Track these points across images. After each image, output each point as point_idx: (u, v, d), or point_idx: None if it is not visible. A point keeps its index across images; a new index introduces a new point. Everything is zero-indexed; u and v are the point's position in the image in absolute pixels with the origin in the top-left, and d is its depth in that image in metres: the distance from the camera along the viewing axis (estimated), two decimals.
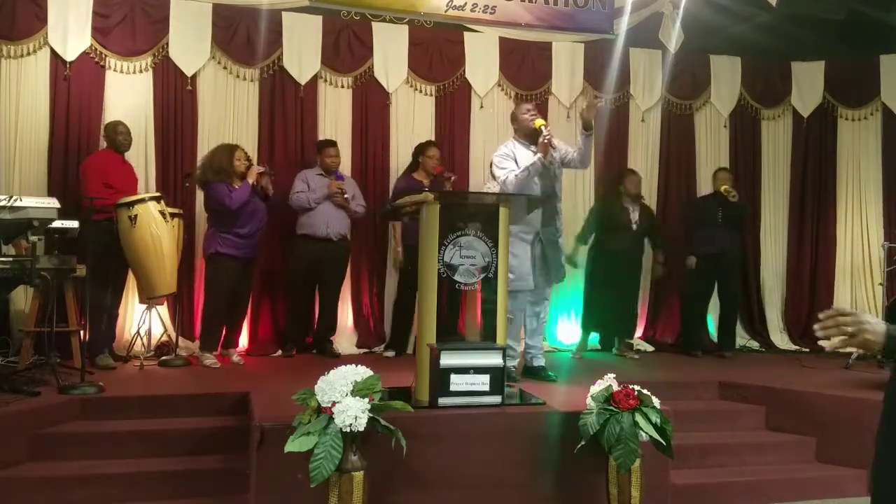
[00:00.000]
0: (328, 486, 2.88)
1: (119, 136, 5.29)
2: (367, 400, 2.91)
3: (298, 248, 5.68)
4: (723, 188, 6.13)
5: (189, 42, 5.84)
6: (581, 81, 6.77)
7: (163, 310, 5.58)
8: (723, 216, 6.17)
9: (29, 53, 5.53)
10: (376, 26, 6.32)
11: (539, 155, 4.41)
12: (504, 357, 3.57)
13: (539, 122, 4.49)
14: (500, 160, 4.57)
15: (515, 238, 4.39)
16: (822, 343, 1.65)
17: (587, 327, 6.30)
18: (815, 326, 1.66)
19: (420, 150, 5.90)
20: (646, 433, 3.26)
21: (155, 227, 4.89)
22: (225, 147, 5.34)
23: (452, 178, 5.79)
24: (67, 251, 4.71)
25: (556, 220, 4.63)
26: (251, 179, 5.19)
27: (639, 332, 6.83)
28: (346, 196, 5.63)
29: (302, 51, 6.11)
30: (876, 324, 1.60)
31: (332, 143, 5.85)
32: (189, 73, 5.87)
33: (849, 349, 1.62)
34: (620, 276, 6.11)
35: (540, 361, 4.71)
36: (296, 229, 5.71)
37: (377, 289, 6.27)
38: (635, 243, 6.28)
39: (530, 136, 4.57)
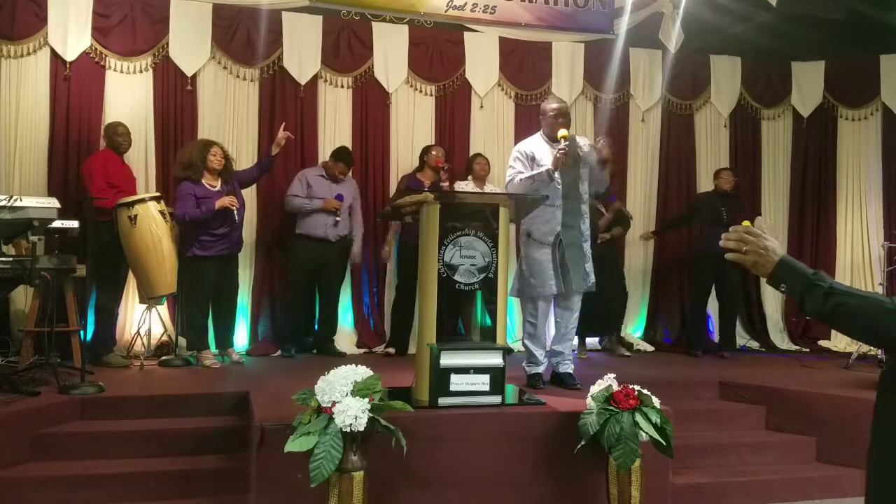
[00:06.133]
0: (328, 486, 2.88)
1: (119, 137, 5.29)
2: (367, 400, 2.91)
3: (298, 248, 5.69)
4: (745, 225, 6.06)
5: (189, 42, 5.84)
6: (581, 81, 6.78)
7: (163, 310, 5.57)
8: (727, 213, 6.12)
9: (29, 53, 5.54)
10: (376, 26, 6.32)
11: (549, 167, 4.17)
12: (504, 357, 3.55)
13: (562, 133, 4.17)
14: (513, 159, 4.38)
15: (534, 242, 4.29)
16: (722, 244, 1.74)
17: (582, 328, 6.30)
18: (723, 236, 1.75)
19: (425, 150, 6.01)
20: (646, 433, 3.26)
21: (155, 227, 4.89)
22: (200, 142, 5.29)
23: (447, 166, 5.82)
24: (67, 251, 4.72)
25: (580, 222, 4.34)
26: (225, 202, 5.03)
27: (639, 332, 6.84)
28: (337, 220, 5.63)
29: (302, 51, 6.11)
30: (772, 251, 1.69)
31: (349, 162, 5.81)
32: (189, 73, 5.87)
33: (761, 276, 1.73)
34: (599, 275, 6.10)
35: (567, 368, 4.39)
36: (295, 229, 5.72)
37: (377, 289, 6.27)
38: (608, 242, 6.21)
39: (553, 136, 4.30)
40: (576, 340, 6.25)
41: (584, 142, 4.49)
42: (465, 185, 5.98)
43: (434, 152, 5.91)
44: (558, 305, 4.45)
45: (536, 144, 4.41)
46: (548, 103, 4.47)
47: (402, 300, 5.92)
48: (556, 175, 4.20)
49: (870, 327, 1.59)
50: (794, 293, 1.66)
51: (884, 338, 1.59)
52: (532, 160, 4.31)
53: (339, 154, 5.81)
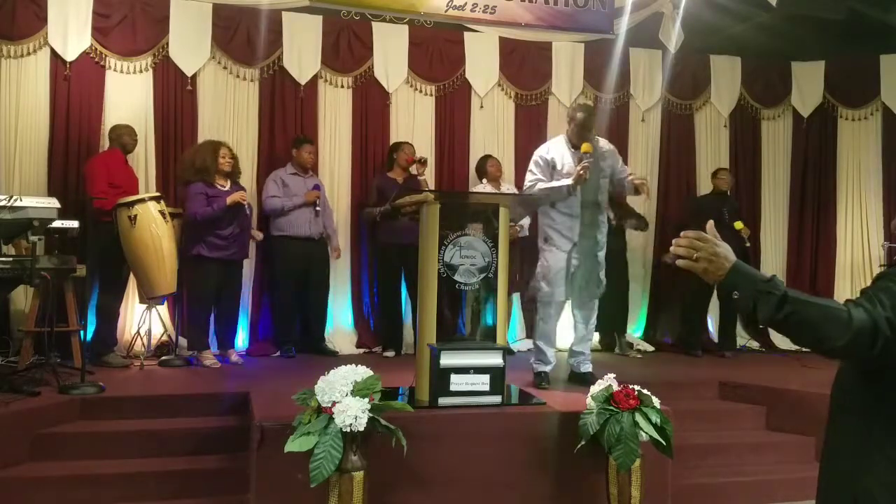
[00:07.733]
0: (328, 486, 2.88)
1: (126, 137, 5.31)
2: (367, 400, 2.91)
3: (283, 250, 5.66)
4: (738, 227, 6.07)
5: (189, 42, 5.84)
6: (581, 81, 6.78)
7: (163, 310, 5.57)
8: (728, 214, 6.15)
9: (29, 53, 5.53)
10: (376, 26, 6.32)
11: (569, 183, 4.18)
12: (504, 357, 3.56)
13: (585, 146, 4.18)
14: (533, 163, 4.38)
15: (552, 247, 4.33)
16: (666, 258, 1.68)
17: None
18: (674, 241, 1.66)
19: (394, 147, 6.01)
20: (646, 433, 3.26)
21: (155, 227, 4.89)
22: (208, 144, 5.32)
23: (423, 158, 5.79)
24: (67, 251, 4.71)
25: (598, 232, 4.38)
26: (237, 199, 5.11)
27: (639, 332, 6.84)
28: (317, 209, 5.65)
29: (302, 51, 6.11)
30: (723, 257, 1.60)
31: (310, 141, 5.90)
32: (189, 73, 5.87)
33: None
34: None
35: (587, 367, 4.46)
36: (271, 231, 5.72)
37: (377, 289, 6.26)
38: (615, 240, 6.21)
39: (577, 144, 4.29)
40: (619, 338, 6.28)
41: (606, 145, 4.49)
42: (483, 189, 5.98)
43: (405, 149, 5.89)
44: (576, 308, 4.50)
45: (559, 150, 4.39)
46: (575, 111, 4.43)
47: (386, 302, 5.96)
48: (572, 192, 4.22)
49: (815, 336, 1.54)
50: (746, 301, 1.57)
51: (827, 347, 1.52)
52: (553, 168, 4.33)
53: (300, 139, 5.87)
